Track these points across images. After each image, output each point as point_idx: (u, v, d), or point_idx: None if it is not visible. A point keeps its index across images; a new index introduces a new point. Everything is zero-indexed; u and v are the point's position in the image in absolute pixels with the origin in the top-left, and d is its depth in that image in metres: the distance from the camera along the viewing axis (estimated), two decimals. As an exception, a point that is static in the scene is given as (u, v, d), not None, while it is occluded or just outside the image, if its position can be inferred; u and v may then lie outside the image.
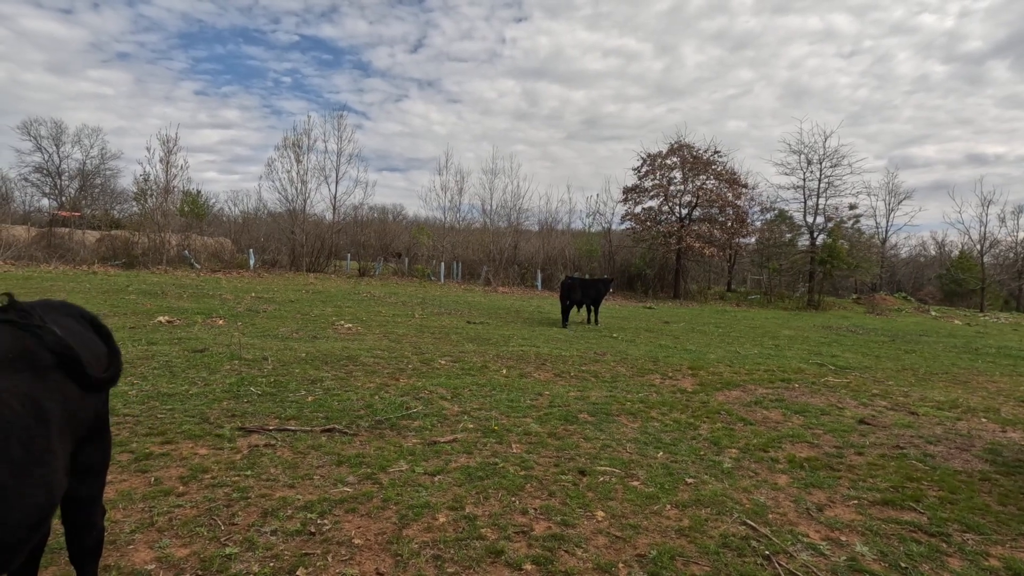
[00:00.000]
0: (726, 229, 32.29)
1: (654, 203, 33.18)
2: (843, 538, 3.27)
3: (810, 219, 32.53)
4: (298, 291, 19.33)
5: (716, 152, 32.59)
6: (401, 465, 4.04)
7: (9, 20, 67.07)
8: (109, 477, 3.38)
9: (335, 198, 33.47)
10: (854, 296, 36.54)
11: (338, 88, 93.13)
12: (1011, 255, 43.36)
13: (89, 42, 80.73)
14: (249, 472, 3.77)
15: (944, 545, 3.23)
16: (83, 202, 38.27)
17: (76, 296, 13.50)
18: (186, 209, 30.46)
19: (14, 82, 67.02)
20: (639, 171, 33.39)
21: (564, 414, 5.60)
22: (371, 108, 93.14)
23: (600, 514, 3.43)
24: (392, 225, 43.83)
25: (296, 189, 31.39)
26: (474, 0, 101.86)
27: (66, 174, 41.55)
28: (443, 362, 7.96)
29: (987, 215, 39.85)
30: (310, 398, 5.65)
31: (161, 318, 10.52)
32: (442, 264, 31.50)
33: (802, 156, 32.62)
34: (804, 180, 32.69)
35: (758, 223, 35.94)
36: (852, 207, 32.18)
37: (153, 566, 2.65)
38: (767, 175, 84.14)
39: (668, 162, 32.63)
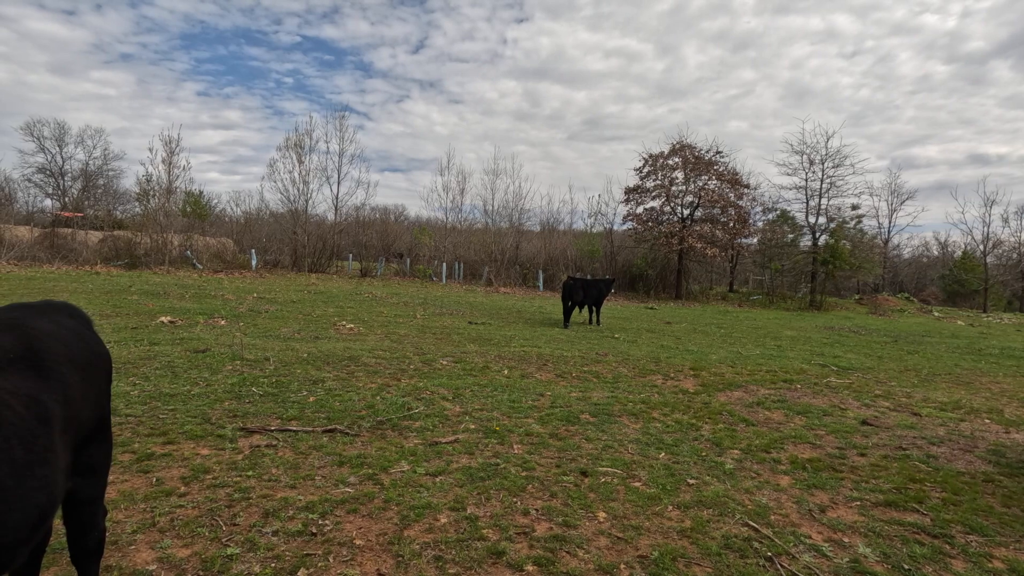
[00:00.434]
0: (728, 229, 32.22)
1: (656, 203, 33.13)
2: (846, 539, 3.26)
3: (812, 219, 32.43)
4: (300, 291, 19.35)
5: (718, 152, 32.55)
6: (402, 466, 4.04)
7: (12, 21, 67.47)
8: (111, 477, 3.39)
9: (337, 198, 33.60)
10: (856, 297, 36.43)
11: (340, 89, 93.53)
12: (1014, 255, 43.22)
13: (92, 43, 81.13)
14: (251, 472, 3.77)
15: (947, 547, 3.21)
16: (86, 203, 38.43)
17: (79, 296, 13.53)
18: (188, 210, 30.56)
19: (17, 83, 67.42)
20: (641, 171, 33.36)
21: (566, 415, 5.59)
22: (373, 109, 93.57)
23: (602, 515, 3.43)
24: (394, 225, 43.90)
25: (298, 189, 31.51)
26: (475, 1, 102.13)
27: (69, 175, 41.77)
28: (445, 362, 7.96)
29: (990, 215, 39.78)
30: (312, 398, 5.65)
31: (163, 318, 10.54)
32: (444, 264, 31.50)
33: (804, 156, 32.52)
34: (806, 180, 32.60)
35: (760, 223, 35.92)
36: (854, 207, 32.08)
37: (154, 566, 2.65)
38: (769, 175, 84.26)
39: (670, 162, 32.58)
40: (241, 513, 3.20)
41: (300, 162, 31.61)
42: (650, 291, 32.01)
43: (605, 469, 4.18)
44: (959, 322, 25.15)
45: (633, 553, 2.99)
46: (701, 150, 32.40)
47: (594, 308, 15.29)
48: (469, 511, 3.37)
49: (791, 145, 33.71)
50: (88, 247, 25.08)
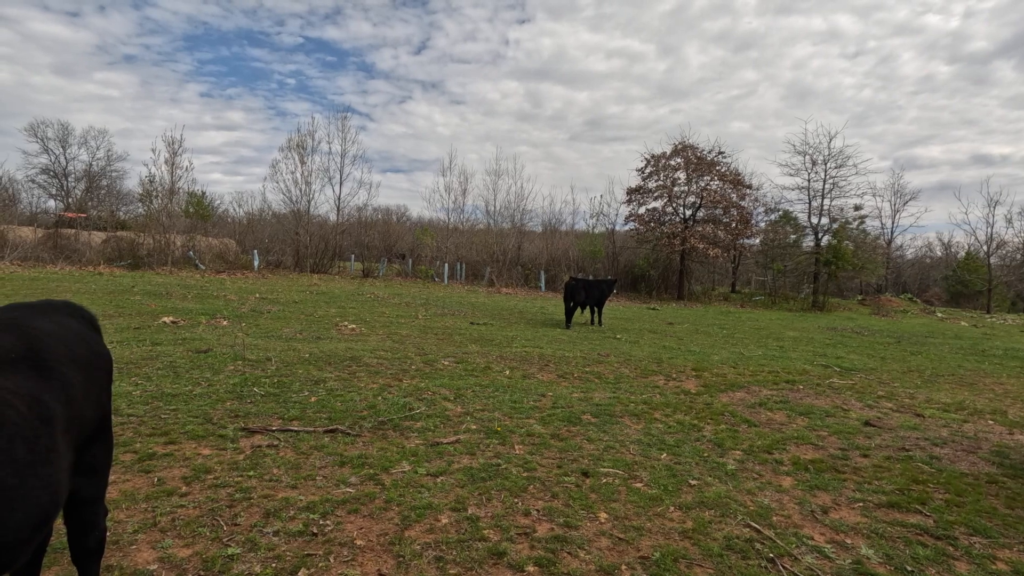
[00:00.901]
0: (730, 230, 32.17)
1: (658, 204, 33.11)
2: (848, 541, 3.25)
3: (815, 220, 32.40)
4: (302, 292, 19.38)
5: (720, 153, 32.51)
6: (404, 466, 4.04)
7: (16, 23, 67.76)
8: (112, 477, 3.40)
9: (339, 199, 33.64)
10: (859, 297, 36.33)
11: (342, 90, 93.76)
12: (1018, 256, 43.02)
13: (95, 45, 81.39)
14: (252, 472, 3.77)
15: (950, 548, 3.20)
16: (89, 203, 38.56)
17: (82, 297, 13.57)
18: (191, 210, 30.58)
19: (21, 84, 67.71)
20: (643, 172, 33.34)
21: (567, 415, 5.59)
22: (375, 110, 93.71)
23: (603, 516, 3.42)
24: (396, 226, 43.89)
25: (300, 190, 31.56)
26: (477, 2, 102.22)
27: (72, 175, 41.91)
28: (446, 363, 7.96)
29: (993, 216, 39.62)
30: (313, 399, 5.66)
31: (165, 318, 10.56)
32: (446, 265, 31.51)
33: (806, 157, 32.49)
34: (809, 181, 32.57)
35: (762, 224, 35.85)
36: (857, 208, 32.03)
37: (155, 566, 2.65)
38: (771, 176, 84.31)
39: (672, 163, 32.56)
40: (242, 513, 3.21)
41: (302, 163, 31.68)
42: (652, 292, 31.98)
43: (607, 470, 4.17)
44: (963, 323, 25.07)
45: (634, 554, 2.99)
46: (703, 150, 32.39)
47: (596, 309, 15.28)
48: (470, 511, 3.37)
49: (793, 145, 33.71)
50: (91, 248, 25.16)
